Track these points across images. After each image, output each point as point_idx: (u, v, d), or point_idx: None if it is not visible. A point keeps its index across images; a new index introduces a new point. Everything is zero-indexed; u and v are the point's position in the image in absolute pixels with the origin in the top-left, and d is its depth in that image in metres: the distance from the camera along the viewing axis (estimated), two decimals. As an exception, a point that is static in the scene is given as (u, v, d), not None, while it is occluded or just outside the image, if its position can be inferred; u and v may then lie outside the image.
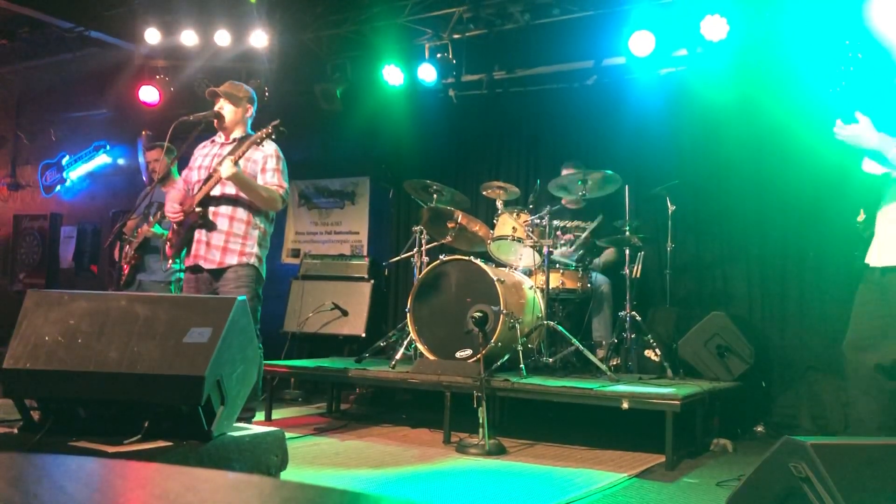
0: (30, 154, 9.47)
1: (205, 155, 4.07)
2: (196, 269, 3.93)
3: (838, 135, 3.16)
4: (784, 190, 5.33)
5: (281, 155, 4.00)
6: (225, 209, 3.90)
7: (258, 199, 3.89)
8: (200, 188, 3.93)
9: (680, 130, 5.70)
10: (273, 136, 3.84)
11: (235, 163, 3.73)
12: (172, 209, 3.95)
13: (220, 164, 3.87)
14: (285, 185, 3.98)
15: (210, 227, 3.88)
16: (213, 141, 4.15)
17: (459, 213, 5.10)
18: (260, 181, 3.90)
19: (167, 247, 4.10)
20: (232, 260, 3.86)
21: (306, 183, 7.63)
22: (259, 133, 3.82)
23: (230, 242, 3.87)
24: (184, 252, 3.99)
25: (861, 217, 3.42)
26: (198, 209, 3.89)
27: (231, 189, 3.89)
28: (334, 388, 5.62)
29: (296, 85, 6.99)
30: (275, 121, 3.84)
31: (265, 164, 3.94)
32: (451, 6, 6.07)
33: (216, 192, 3.90)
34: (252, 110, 4.14)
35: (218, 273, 3.88)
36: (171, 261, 4.11)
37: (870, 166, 3.25)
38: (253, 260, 3.91)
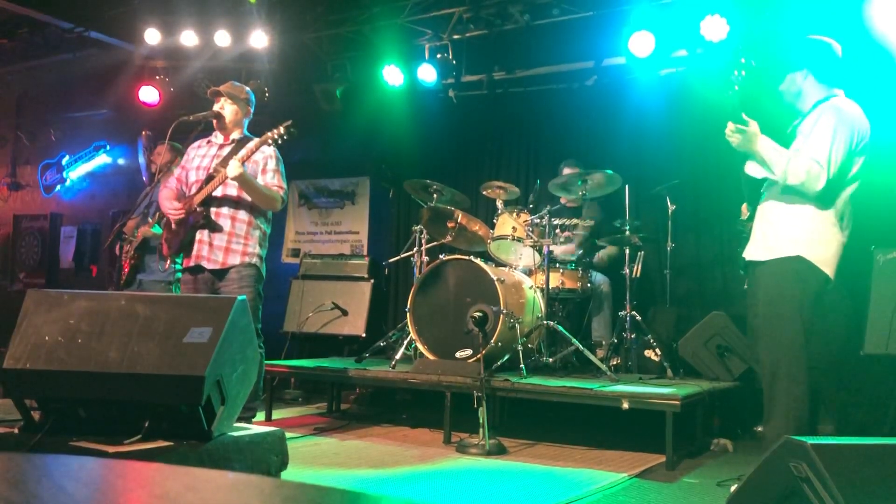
0: (30, 154, 9.46)
1: (202, 156, 4.06)
2: (196, 270, 3.93)
3: (728, 136, 3.21)
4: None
5: (279, 156, 4.02)
6: (227, 210, 3.91)
7: (261, 200, 3.90)
8: (201, 188, 3.92)
9: (680, 130, 5.70)
10: (285, 137, 3.83)
11: (243, 163, 3.75)
12: (172, 207, 3.95)
13: (222, 164, 3.87)
14: (284, 185, 4.00)
15: (213, 227, 3.88)
16: (209, 141, 4.14)
17: (459, 213, 5.10)
18: (260, 181, 3.90)
19: (164, 246, 4.09)
20: (235, 260, 3.88)
21: (306, 183, 7.63)
22: (272, 132, 3.82)
23: (233, 243, 3.88)
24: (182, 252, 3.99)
25: (745, 214, 3.54)
26: (200, 209, 3.89)
27: (232, 190, 3.89)
28: (334, 388, 5.63)
29: (296, 85, 6.99)
30: (287, 121, 3.83)
31: (265, 164, 3.95)
32: (451, 6, 6.07)
33: (218, 192, 3.90)
34: (251, 112, 4.16)
35: (221, 273, 3.89)
36: (168, 260, 4.11)
37: (752, 169, 3.31)
38: (255, 259, 3.92)
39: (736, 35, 5.19)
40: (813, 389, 3.11)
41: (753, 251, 3.32)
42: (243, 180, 3.77)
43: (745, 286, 3.50)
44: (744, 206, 3.59)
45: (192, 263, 3.93)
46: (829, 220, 3.11)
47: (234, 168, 3.71)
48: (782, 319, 3.11)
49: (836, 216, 3.11)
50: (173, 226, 4.00)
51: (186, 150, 4.25)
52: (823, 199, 3.09)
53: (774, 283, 3.16)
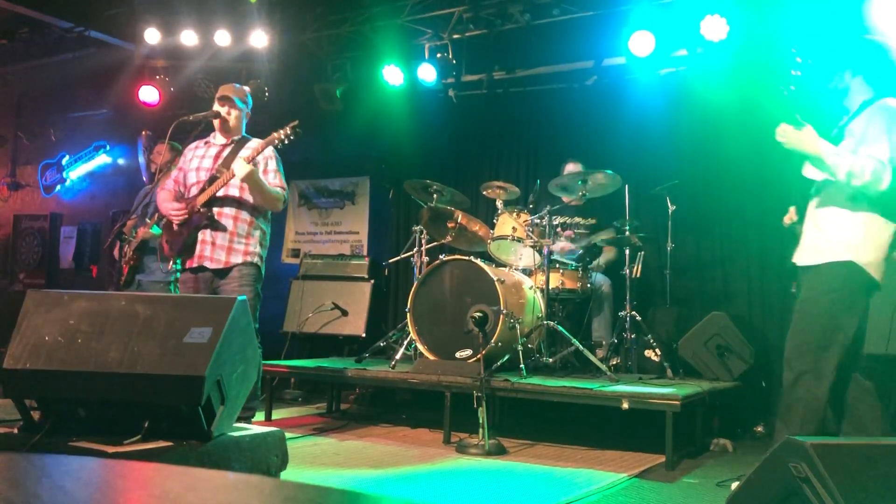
0: (30, 154, 9.46)
1: (201, 157, 4.06)
2: (197, 269, 3.94)
3: (779, 136, 3.17)
4: (784, 190, 5.32)
5: (278, 156, 4.04)
6: (229, 210, 3.92)
7: (266, 200, 3.92)
8: (204, 189, 3.93)
9: (680, 130, 5.70)
10: (292, 138, 3.86)
11: (250, 162, 3.76)
12: (174, 208, 3.95)
13: (224, 165, 3.89)
14: (285, 185, 4.04)
15: (216, 227, 3.89)
16: (207, 143, 4.14)
17: (459, 213, 5.10)
18: (262, 181, 3.92)
19: (165, 247, 4.09)
20: (237, 259, 3.89)
21: (306, 183, 7.63)
22: (278, 133, 3.84)
23: (234, 242, 3.89)
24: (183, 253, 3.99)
25: (793, 217, 3.49)
26: (203, 210, 3.89)
27: (234, 190, 3.91)
28: (334, 388, 5.63)
29: (296, 85, 6.99)
30: (293, 122, 3.86)
31: (266, 165, 3.96)
32: (451, 6, 6.07)
33: (220, 192, 3.91)
34: (250, 113, 4.19)
35: (222, 272, 3.90)
36: (171, 261, 4.11)
37: (810, 172, 3.28)
38: (256, 259, 3.94)
39: (736, 35, 5.19)
40: (838, 391, 3.10)
41: (804, 256, 3.24)
42: (253, 180, 3.78)
43: (793, 289, 3.44)
44: (792, 210, 3.51)
45: (195, 264, 3.93)
46: (880, 222, 3.07)
47: (242, 168, 3.72)
48: (819, 317, 3.08)
49: (887, 217, 3.08)
50: (175, 227, 4.00)
51: (184, 151, 4.25)
52: (877, 201, 3.04)
53: (820, 283, 3.11)
